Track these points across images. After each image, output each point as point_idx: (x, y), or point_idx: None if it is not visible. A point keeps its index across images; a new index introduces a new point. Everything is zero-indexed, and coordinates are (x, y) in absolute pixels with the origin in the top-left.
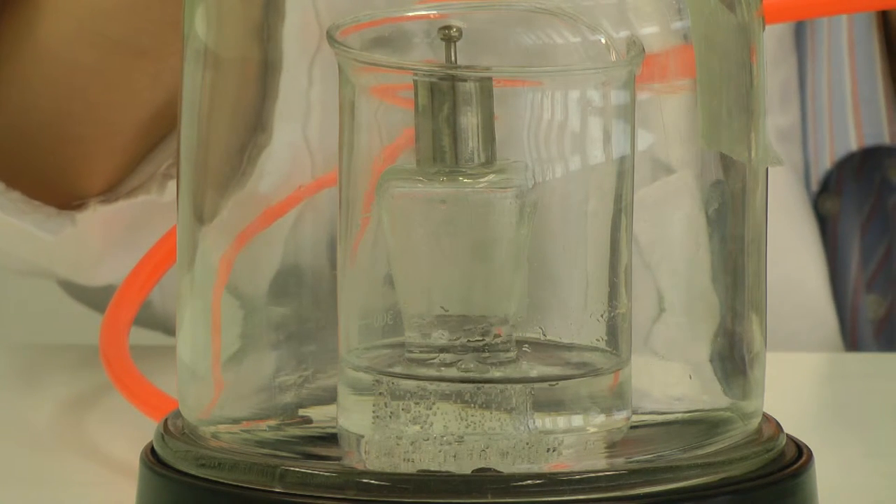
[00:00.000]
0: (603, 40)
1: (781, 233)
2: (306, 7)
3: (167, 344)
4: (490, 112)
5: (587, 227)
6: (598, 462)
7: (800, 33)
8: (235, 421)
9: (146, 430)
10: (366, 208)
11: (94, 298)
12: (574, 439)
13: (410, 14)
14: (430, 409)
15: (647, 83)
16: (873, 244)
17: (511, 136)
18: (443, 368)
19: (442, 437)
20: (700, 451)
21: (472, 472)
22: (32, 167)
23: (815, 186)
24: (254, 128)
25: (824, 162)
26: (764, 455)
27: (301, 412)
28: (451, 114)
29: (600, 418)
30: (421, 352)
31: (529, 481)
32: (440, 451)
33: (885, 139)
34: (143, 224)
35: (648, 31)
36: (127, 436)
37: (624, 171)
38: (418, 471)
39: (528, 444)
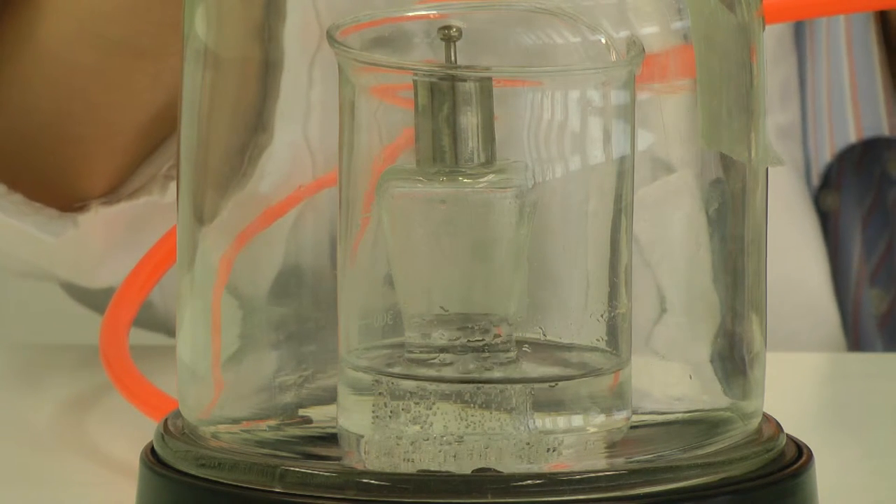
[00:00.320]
0: (603, 40)
1: (783, 230)
2: (307, 7)
3: (167, 344)
4: (490, 112)
5: (587, 227)
6: (598, 462)
7: (799, 32)
8: (235, 421)
9: (146, 430)
10: (366, 208)
11: (96, 300)
12: (574, 439)
13: (410, 14)
14: (430, 409)
15: (647, 83)
16: (875, 239)
17: (511, 136)
18: (443, 368)
19: (442, 437)
20: (700, 451)
21: (472, 472)
22: (33, 168)
23: (815, 182)
24: (254, 128)
25: (824, 156)
26: (764, 455)
27: (301, 412)
28: (451, 114)
29: (600, 418)
30: (421, 352)
31: (529, 481)
32: (440, 451)
33: (885, 131)
34: (144, 225)
35: (648, 31)
36: (127, 436)
37: (624, 171)
38: (418, 471)
39: (528, 444)
